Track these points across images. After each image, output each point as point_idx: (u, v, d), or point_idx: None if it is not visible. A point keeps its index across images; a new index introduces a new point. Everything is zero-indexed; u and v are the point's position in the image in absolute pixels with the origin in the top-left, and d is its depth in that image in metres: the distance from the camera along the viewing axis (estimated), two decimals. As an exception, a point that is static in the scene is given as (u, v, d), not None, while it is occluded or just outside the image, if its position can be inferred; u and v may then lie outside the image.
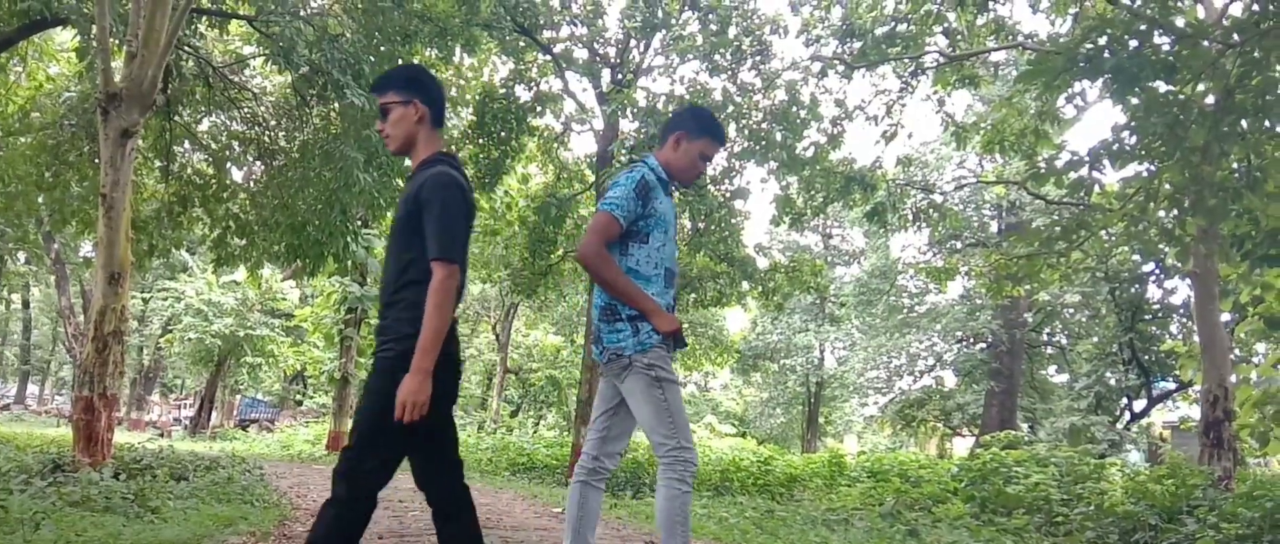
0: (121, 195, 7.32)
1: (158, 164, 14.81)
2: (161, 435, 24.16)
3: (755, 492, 12.16)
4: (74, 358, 30.76)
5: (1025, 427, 25.85)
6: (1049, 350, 29.26)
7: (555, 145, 16.44)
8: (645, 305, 3.31)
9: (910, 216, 12.20)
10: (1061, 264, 11.51)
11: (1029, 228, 25.35)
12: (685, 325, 20.68)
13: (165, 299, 26.04)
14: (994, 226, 26.60)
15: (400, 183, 13.80)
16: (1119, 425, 22.09)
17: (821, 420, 38.34)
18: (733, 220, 14.41)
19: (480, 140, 14.79)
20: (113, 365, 7.07)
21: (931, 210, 12.03)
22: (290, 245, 14.13)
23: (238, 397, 38.64)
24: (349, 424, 19.99)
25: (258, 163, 15.60)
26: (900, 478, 14.38)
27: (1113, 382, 22.40)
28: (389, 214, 18.03)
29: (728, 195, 13.87)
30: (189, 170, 15.36)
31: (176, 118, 13.97)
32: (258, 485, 7.59)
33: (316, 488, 9.33)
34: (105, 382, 7.03)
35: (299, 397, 35.05)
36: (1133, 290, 20.74)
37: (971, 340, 28.07)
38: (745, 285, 15.96)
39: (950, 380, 31.94)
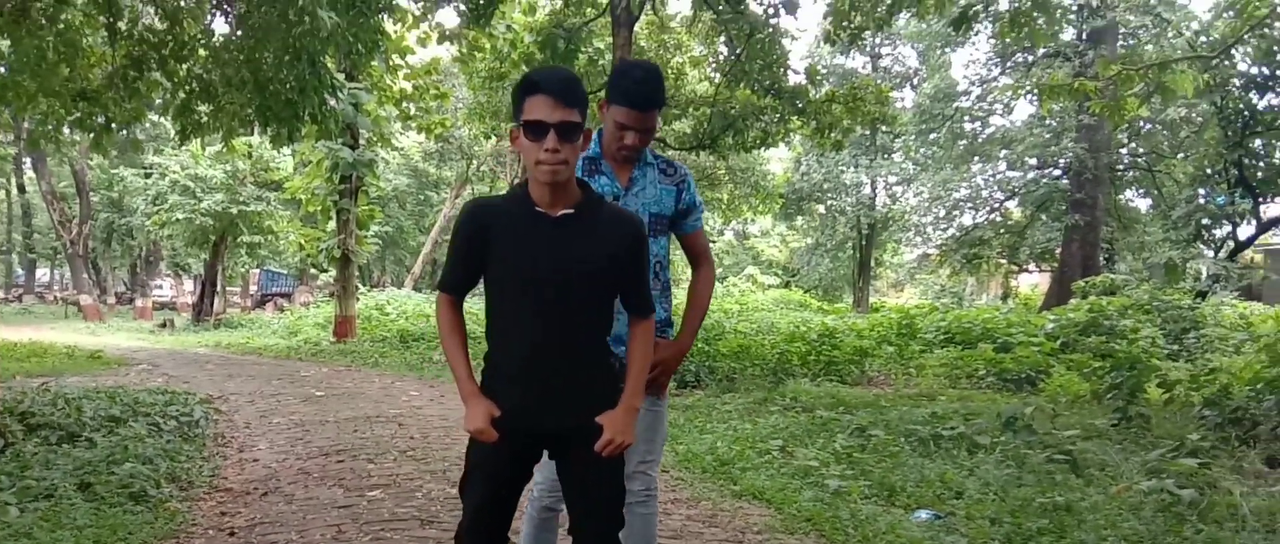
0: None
1: (102, 21, 13.02)
2: (163, 326, 23.17)
3: (819, 372, 10.63)
4: (64, 246, 29.73)
5: (1101, 259, 24.05)
6: (1131, 174, 27.03)
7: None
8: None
9: (1007, 20, 10.02)
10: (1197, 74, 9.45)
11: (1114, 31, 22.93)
12: (724, 172, 18.80)
13: (149, 177, 24.53)
14: (1068, 35, 23.94)
15: (377, 22, 11.93)
16: (1219, 256, 20.19)
17: (874, 265, 36.74)
18: (779, 44, 12.35)
19: (469, -35, 12.68)
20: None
21: (1034, 13, 9.85)
22: (260, 107, 12.47)
23: (257, 271, 37.69)
24: (355, 307, 18.82)
25: (216, 12, 13.80)
26: (985, 340, 12.81)
27: (1212, 207, 20.32)
28: (373, 62, 16.11)
29: (772, 10, 11.74)
30: (139, 27, 13.56)
31: (114, -36, 12.03)
32: (178, 447, 6.12)
33: (277, 432, 7.86)
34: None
35: (315, 269, 34.02)
36: (1250, 98, 18.38)
37: (1047, 167, 25.93)
38: (795, 121, 14.01)
39: (1016, 213, 30.05)
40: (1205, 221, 19.62)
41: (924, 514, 4.77)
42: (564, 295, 2.36)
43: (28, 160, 34.01)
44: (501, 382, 2.42)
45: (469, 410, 2.40)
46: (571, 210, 2.38)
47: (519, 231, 2.37)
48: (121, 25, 12.65)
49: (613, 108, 2.81)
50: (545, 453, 2.55)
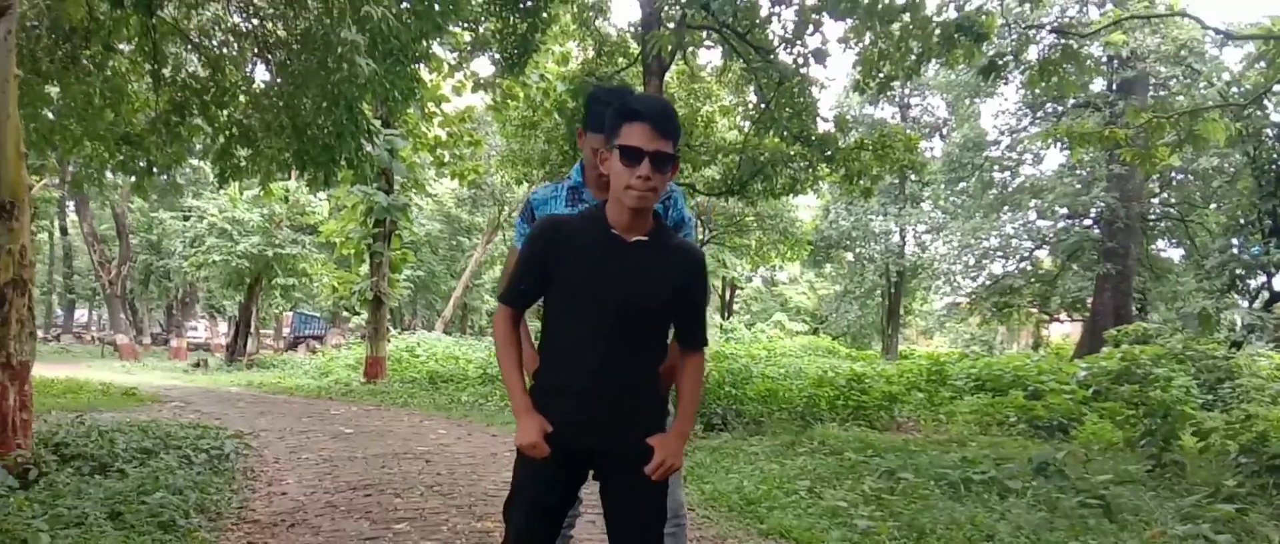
0: (2, 97, 5.70)
1: (147, 68, 13.39)
2: (197, 365, 23.43)
3: (848, 416, 10.52)
4: (103, 287, 30.17)
5: (1134, 309, 23.77)
6: (1164, 224, 26.78)
7: (592, 14, 14.45)
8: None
9: (1037, 70, 10.03)
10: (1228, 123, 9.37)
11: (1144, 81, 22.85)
12: (752, 219, 18.83)
13: (186, 219, 24.99)
14: (1097, 85, 23.87)
15: (414, 70, 12.16)
16: (1254, 306, 19.87)
17: (902, 312, 36.46)
18: (808, 92, 12.41)
19: (504, 13, 12.89)
20: (17, 324, 5.58)
21: (1064, 63, 9.85)
22: (297, 152, 12.71)
23: (291, 313, 38.06)
24: (386, 349, 18.92)
25: (258, 60, 14.16)
26: (1016, 387, 12.65)
27: (1246, 257, 20.05)
28: (409, 110, 16.37)
29: (801, 60, 11.82)
30: (183, 74, 13.94)
31: (161, 13, 12.36)
32: (208, 479, 6.16)
33: (305, 466, 7.90)
34: (9, 348, 5.54)
35: (347, 311, 34.31)
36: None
37: (1077, 217, 25.75)
38: (824, 168, 14.02)
39: (1047, 262, 29.80)
40: (1239, 272, 19.36)
41: (953, 556, 4.69)
42: (631, 320, 2.38)
43: (70, 203, 34.74)
44: (557, 400, 2.41)
45: (521, 425, 2.39)
46: (645, 237, 2.40)
47: (593, 253, 2.38)
48: (165, 72, 12.99)
49: (590, 135, 2.87)
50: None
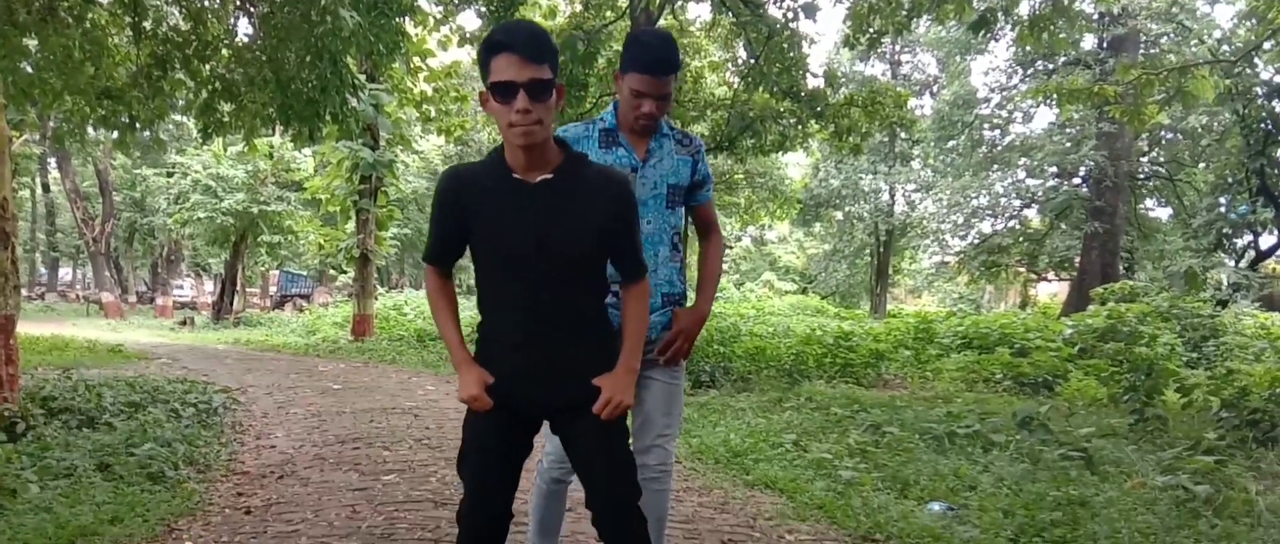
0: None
1: (127, 21, 13.22)
2: (184, 323, 23.38)
3: (835, 374, 10.60)
4: (86, 245, 29.98)
5: (1121, 268, 23.91)
6: (1152, 183, 26.86)
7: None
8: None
9: (1027, 25, 9.99)
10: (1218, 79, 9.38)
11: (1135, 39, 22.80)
12: (741, 176, 18.82)
13: (170, 176, 24.81)
14: (1088, 43, 23.79)
15: (398, 24, 12.02)
16: (1240, 265, 20.01)
17: (891, 271, 36.61)
18: (797, 47, 12.34)
19: (489, -34, 12.76)
20: (0, 278, 5.57)
21: (1055, 19, 9.82)
22: (282, 106, 12.60)
23: (277, 271, 37.97)
24: (373, 307, 18.93)
25: (240, 13, 13.99)
26: (1003, 345, 12.76)
27: (1233, 216, 20.16)
28: (394, 64, 16.22)
29: (791, 14, 11.74)
30: (164, 27, 13.77)
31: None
32: (196, 432, 6.19)
33: (294, 421, 7.94)
34: (-11, 299, 5.55)
35: (334, 270, 34.18)
36: (1273, 106, 18.22)
37: (1066, 176, 25.80)
38: (814, 124, 13.98)
39: (1035, 221, 29.90)
40: (1226, 231, 19.47)
41: (937, 506, 4.76)
42: (549, 267, 2.26)
43: (52, 159, 34.44)
44: (496, 352, 2.34)
45: (462, 377, 2.33)
46: (550, 176, 2.24)
47: (496, 202, 2.25)
48: (146, 25, 12.78)
49: (628, 76, 2.72)
50: (546, 424, 2.49)
